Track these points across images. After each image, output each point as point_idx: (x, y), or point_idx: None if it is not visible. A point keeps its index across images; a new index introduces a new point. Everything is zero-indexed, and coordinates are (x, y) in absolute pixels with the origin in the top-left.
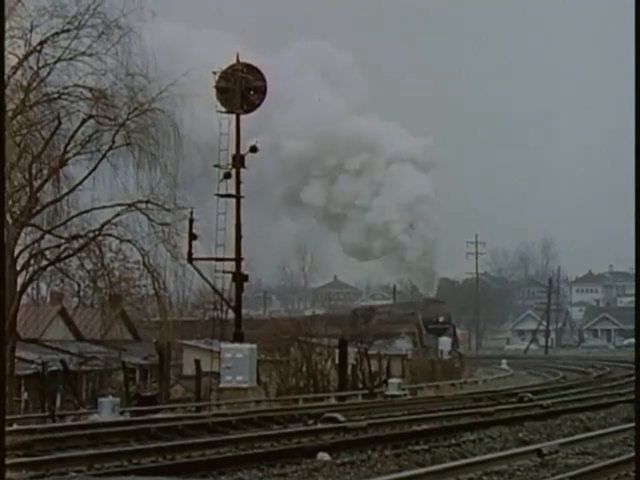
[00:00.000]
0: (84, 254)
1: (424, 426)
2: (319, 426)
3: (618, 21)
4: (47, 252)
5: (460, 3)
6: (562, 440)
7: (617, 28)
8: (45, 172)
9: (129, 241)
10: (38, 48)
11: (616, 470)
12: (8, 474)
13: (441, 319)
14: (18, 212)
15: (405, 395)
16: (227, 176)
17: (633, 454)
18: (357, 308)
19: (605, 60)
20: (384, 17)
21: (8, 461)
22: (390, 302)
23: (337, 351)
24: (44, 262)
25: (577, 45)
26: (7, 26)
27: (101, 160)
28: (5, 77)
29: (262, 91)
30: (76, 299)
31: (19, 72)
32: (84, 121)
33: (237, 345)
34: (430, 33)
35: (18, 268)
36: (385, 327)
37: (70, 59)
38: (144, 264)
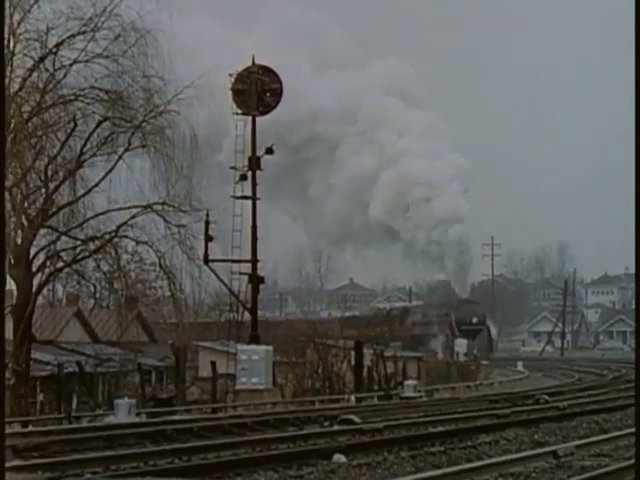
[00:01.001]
0: (100, 256)
1: (440, 428)
2: (335, 428)
3: (619, 21)
4: (63, 254)
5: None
6: (578, 442)
7: (618, 27)
8: (61, 174)
9: (145, 243)
10: (54, 50)
11: (632, 472)
12: (24, 475)
13: (474, 320)
14: (34, 214)
15: (421, 397)
16: (243, 178)
17: None
18: (392, 309)
19: (621, 63)
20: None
21: (24, 462)
22: (405, 303)
23: (353, 353)
24: (60, 264)
25: (591, 50)
26: (23, 29)
27: (117, 162)
28: (5, 78)
29: (278, 93)
30: (92, 301)
31: (35, 74)
32: (100, 123)
33: (253, 347)
34: (429, 29)
35: (34, 270)
36: (418, 329)
37: (86, 61)
38: (160, 266)
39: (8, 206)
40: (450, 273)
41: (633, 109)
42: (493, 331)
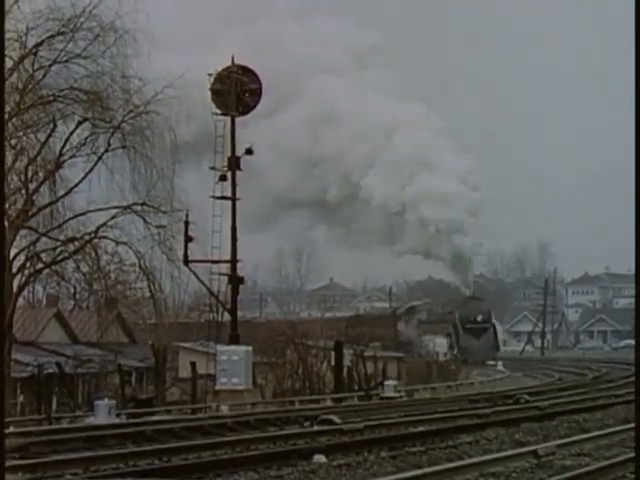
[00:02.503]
0: (80, 257)
1: (420, 428)
2: (315, 428)
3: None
4: (43, 255)
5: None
6: (559, 441)
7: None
8: (41, 175)
9: (125, 243)
10: (34, 51)
11: (613, 471)
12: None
13: (479, 318)
14: (14, 215)
15: (401, 397)
16: (223, 178)
17: (630, 455)
18: (396, 307)
19: (605, 69)
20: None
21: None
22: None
23: (333, 353)
24: (40, 265)
25: (580, 51)
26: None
27: (97, 163)
28: (5, 77)
29: (257, 93)
30: (72, 302)
31: (15, 75)
32: (79, 123)
33: (233, 347)
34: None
35: (14, 271)
36: (423, 328)
37: (65, 62)
38: (140, 266)
39: None
40: (454, 270)
41: (633, 109)
42: (499, 329)
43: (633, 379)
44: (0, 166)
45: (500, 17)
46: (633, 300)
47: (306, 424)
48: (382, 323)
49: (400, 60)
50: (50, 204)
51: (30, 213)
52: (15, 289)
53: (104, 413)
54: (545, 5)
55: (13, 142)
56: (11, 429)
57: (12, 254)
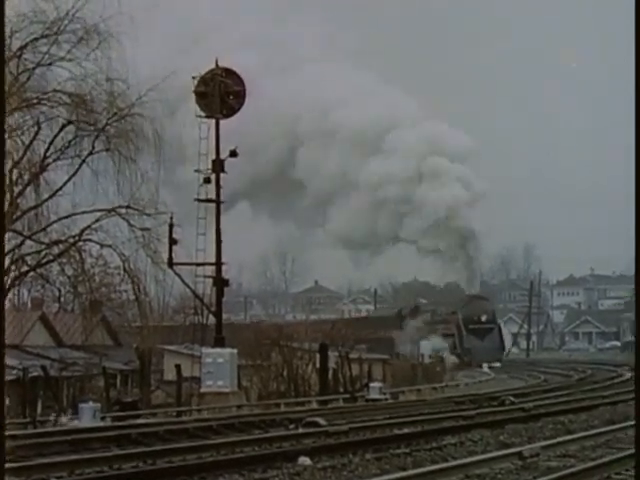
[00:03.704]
0: (64, 259)
1: (405, 430)
2: (300, 430)
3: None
4: (28, 258)
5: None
6: (544, 443)
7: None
8: (25, 177)
9: (109, 246)
10: (18, 54)
11: (598, 472)
12: None
13: (483, 318)
14: None
15: (386, 399)
16: (207, 181)
17: (614, 457)
18: (402, 307)
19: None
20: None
21: None
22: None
23: (318, 355)
24: (25, 268)
25: (580, 51)
26: None
27: (81, 165)
28: (5, 78)
29: (241, 96)
30: (57, 304)
31: None
32: (64, 126)
33: (218, 350)
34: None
35: None
36: (428, 328)
37: (49, 64)
38: (124, 269)
39: None
40: (461, 268)
41: (633, 109)
42: (505, 330)
43: (618, 381)
44: (0, 165)
45: (500, 17)
46: (618, 301)
47: (291, 426)
48: (387, 325)
49: (400, 60)
50: (34, 207)
51: (15, 216)
52: None
53: (89, 416)
54: (545, 5)
55: None
56: None
57: None
